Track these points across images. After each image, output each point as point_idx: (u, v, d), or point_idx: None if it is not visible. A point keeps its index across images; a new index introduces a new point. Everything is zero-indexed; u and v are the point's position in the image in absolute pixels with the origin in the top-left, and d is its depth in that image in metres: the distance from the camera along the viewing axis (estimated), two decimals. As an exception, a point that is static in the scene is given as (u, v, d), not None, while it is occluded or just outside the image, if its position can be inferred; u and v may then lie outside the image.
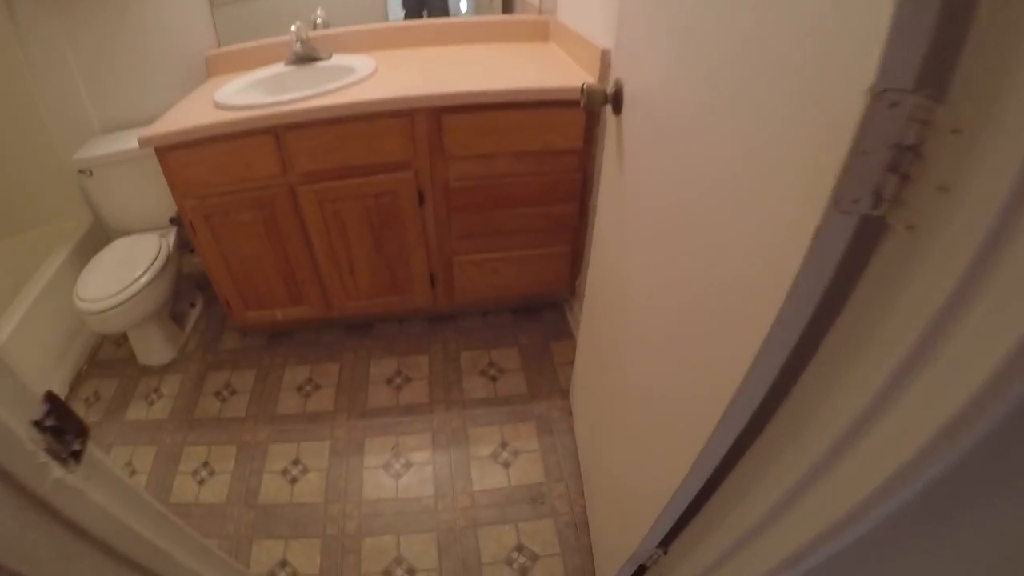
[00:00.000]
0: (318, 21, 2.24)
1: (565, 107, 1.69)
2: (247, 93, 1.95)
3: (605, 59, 1.59)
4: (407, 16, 2.27)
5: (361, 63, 1.99)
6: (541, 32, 2.12)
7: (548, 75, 1.76)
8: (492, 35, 2.16)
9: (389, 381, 2.18)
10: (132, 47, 2.25)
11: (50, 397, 0.61)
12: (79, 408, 2.37)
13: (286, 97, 1.78)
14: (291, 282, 2.14)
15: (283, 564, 1.73)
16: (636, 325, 1.10)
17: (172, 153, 1.83)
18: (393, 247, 2.03)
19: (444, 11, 2.30)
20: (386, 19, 2.27)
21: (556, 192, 1.89)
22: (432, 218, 1.96)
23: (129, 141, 2.23)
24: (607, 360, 1.36)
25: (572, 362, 2.10)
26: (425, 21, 2.21)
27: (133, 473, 2.07)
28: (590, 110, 1.10)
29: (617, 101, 1.12)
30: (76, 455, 0.64)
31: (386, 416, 2.06)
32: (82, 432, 0.66)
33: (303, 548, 1.76)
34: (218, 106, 1.85)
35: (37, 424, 0.59)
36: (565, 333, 2.25)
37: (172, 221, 2.39)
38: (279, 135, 1.78)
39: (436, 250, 2.04)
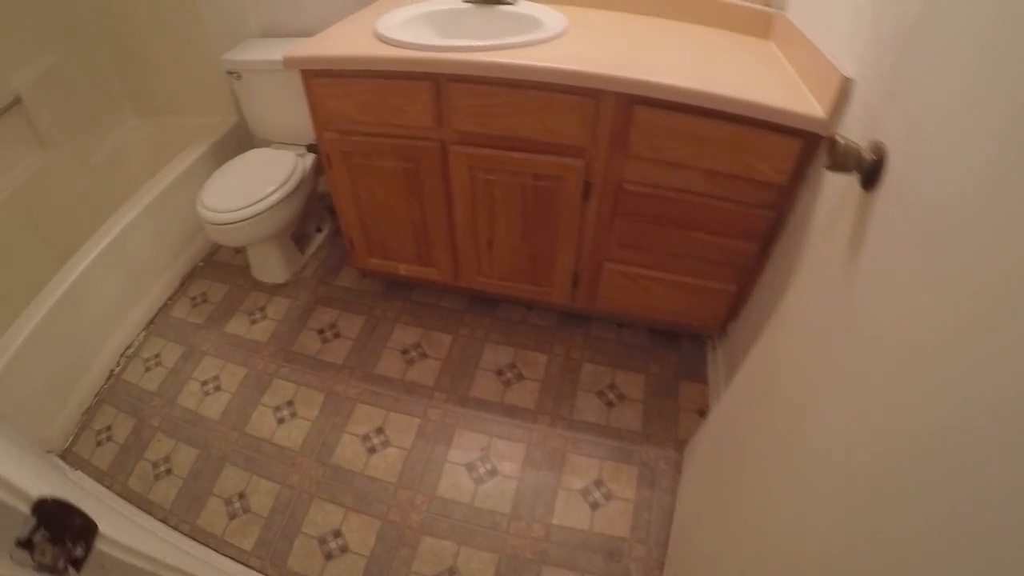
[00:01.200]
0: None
1: (781, 133, 1.37)
2: (413, 27, 1.73)
3: (844, 89, 1.23)
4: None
5: (551, 18, 1.71)
6: (762, 26, 1.74)
7: (767, 87, 1.41)
8: (702, 14, 1.79)
9: (500, 373, 1.98)
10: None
11: (40, 507, 0.46)
12: (184, 306, 2.35)
13: (456, 43, 1.54)
14: (422, 241, 1.96)
15: (336, 534, 1.63)
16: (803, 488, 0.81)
17: (318, 79, 1.66)
18: (541, 235, 1.79)
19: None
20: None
21: (740, 225, 1.58)
22: (593, 216, 1.70)
23: (281, 51, 2.11)
24: (739, 484, 1.10)
25: (699, 411, 1.84)
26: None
27: (218, 389, 2.04)
28: (834, 170, 0.79)
29: (873, 174, 0.81)
30: (77, 563, 0.49)
31: (486, 411, 1.88)
32: (86, 532, 0.50)
33: (361, 524, 1.65)
34: (378, 37, 1.64)
35: (24, 543, 0.44)
36: (699, 375, 1.96)
37: (310, 148, 2.26)
38: (440, 85, 1.56)
39: (588, 250, 1.79)
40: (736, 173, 1.47)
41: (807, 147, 1.38)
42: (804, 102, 1.35)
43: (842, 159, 0.82)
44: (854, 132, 1.18)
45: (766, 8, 1.75)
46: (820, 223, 1.29)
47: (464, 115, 1.59)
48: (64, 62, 2.48)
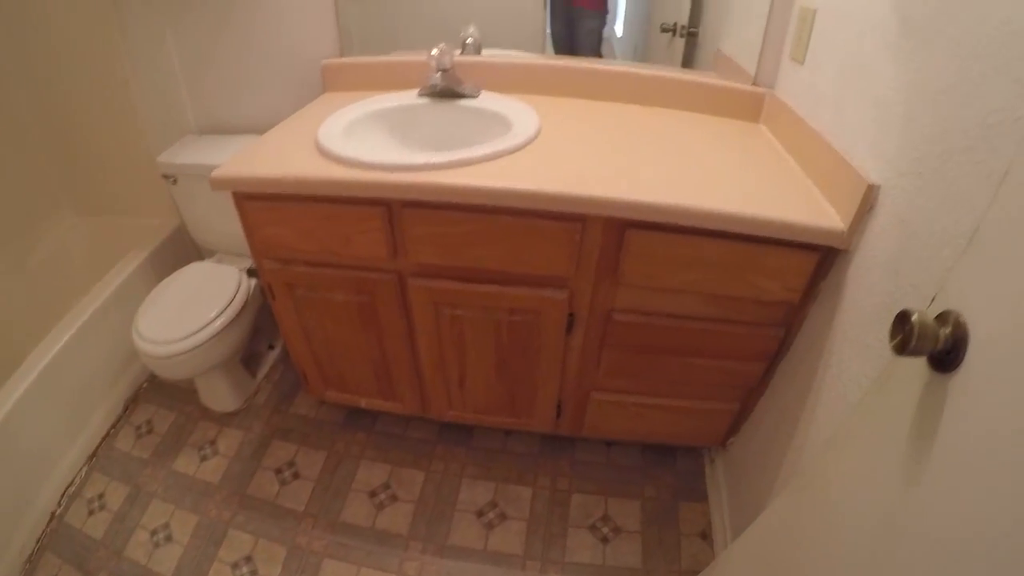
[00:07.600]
0: (468, 41, 1.77)
1: (793, 248, 1.18)
2: (362, 133, 1.51)
3: (869, 198, 1.04)
4: (556, 51, 1.78)
5: (520, 116, 1.50)
6: (751, 108, 1.57)
7: (771, 192, 1.23)
8: (682, 97, 1.61)
9: (480, 514, 1.75)
10: (239, 41, 1.88)
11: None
12: (128, 436, 2.12)
13: (410, 160, 1.30)
14: (383, 377, 1.74)
15: None
16: None
17: (251, 203, 1.41)
18: (519, 370, 1.58)
19: (595, 52, 1.79)
20: (543, 52, 1.78)
21: (745, 347, 1.39)
22: (578, 349, 1.50)
23: (221, 152, 1.90)
24: None
25: (701, 534, 1.65)
26: (603, 67, 1.66)
27: (169, 540, 1.80)
28: (905, 355, 0.61)
29: (951, 355, 0.62)
30: None
31: (468, 560, 1.65)
32: None
33: None
34: (321, 151, 1.39)
35: None
36: (699, 492, 1.75)
37: (250, 272, 2.02)
38: (393, 211, 1.34)
39: (573, 382, 1.59)
40: (742, 294, 1.29)
41: (823, 261, 1.20)
42: (817, 210, 1.17)
43: (916, 338, 0.61)
44: (883, 253, 1.02)
45: (754, 88, 1.58)
46: (857, 385, 1.08)
47: (423, 245, 1.37)
48: (-3, 157, 2.25)
